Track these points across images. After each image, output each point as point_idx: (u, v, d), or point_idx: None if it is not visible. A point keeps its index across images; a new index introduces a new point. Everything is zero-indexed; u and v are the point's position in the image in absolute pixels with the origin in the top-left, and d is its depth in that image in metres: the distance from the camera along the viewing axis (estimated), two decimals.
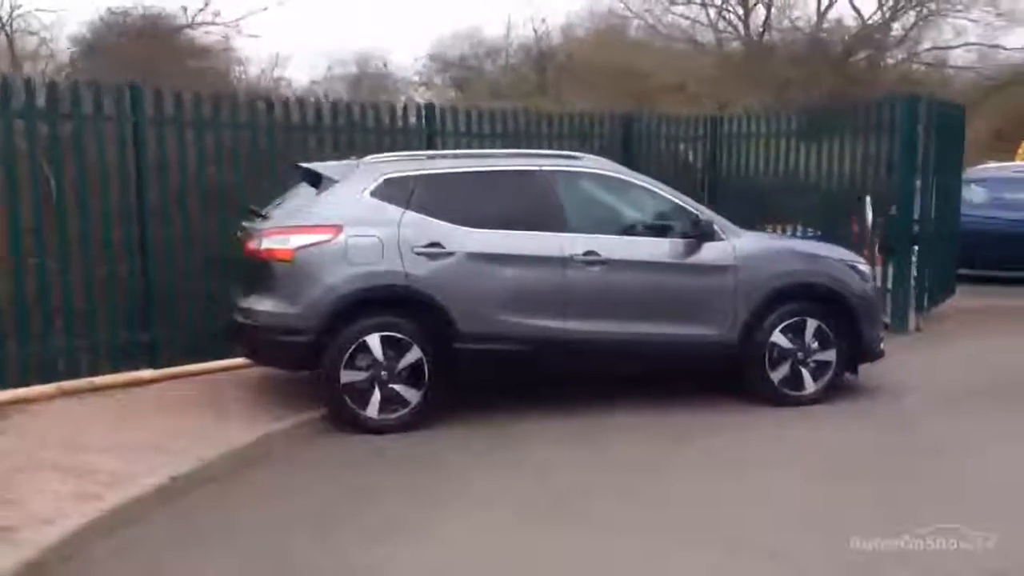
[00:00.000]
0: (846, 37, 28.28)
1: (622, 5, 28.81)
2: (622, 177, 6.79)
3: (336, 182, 6.25)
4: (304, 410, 6.15)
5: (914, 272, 9.32)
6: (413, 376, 6.01)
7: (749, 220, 7.64)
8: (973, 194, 11.85)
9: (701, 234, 6.47)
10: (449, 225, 6.11)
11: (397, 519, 4.64)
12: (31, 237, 6.41)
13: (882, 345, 6.89)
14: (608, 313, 6.30)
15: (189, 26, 24.63)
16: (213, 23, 24.55)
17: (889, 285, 9.18)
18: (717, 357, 6.53)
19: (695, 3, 29.09)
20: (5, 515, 4.31)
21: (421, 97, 26.54)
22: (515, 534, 4.49)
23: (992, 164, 14.60)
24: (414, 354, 5.99)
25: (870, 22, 28.56)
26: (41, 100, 6.49)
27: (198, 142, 7.26)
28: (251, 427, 5.82)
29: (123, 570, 4.16)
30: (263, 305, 6.05)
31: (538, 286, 6.18)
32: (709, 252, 6.45)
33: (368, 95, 24.00)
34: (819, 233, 9.56)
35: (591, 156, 7.34)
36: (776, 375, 6.52)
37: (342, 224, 6.01)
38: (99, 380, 6.60)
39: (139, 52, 20.82)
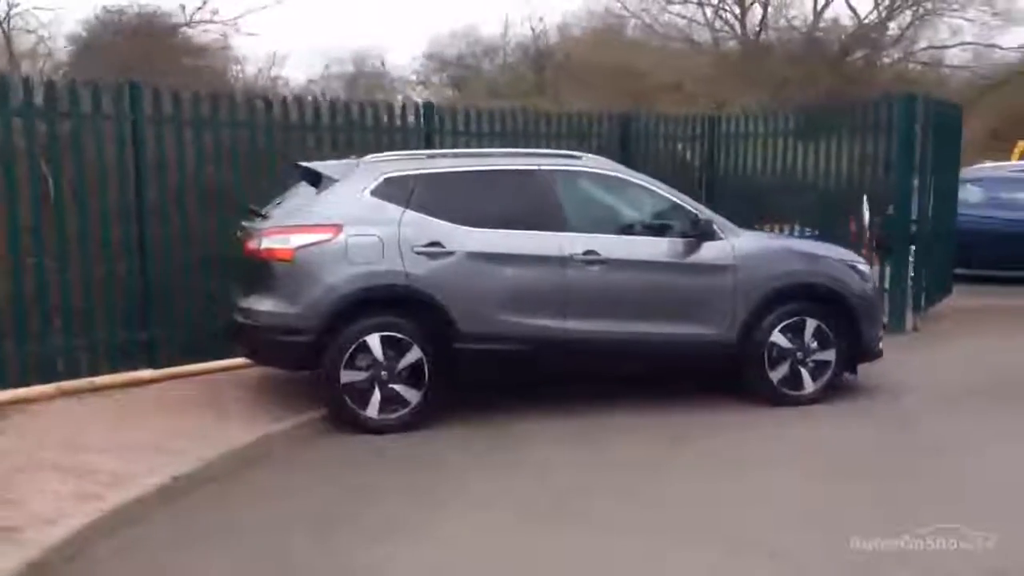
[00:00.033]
0: (842, 36, 28.36)
1: (619, 4, 28.91)
2: (622, 176, 6.79)
3: (336, 181, 6.24)
4: (304, 410, 6.14)
5: (911, 272, 9.34)
6: (413, 376, 6.01)
7: (746, 219, 7.66)
8: (969, 194, 11.87)
9: (700, 233, 6.47)
10: (449, 224, 6.12)
11: (397, 519, 4.64)
12: (29, 236, 6.40)
13: (881, 345, 6.90)
14: (608, 313, 6.30)
15: (188, 24, 24.62)
16: (212, 21, 24.59)
17: (886, 285, 9.20)
18: (716, 357, 6.54)
19: (691, 2, 29.17)
20: (7, 515, 4.31)
21: (418, 96, 26.56)
22: (515, 534, 4.49)
23: (988, 164, 14.64)
24: (414, 354, 5.99)
25: (866, 21, 28.65)
26: (39, 98, 6.47)
27: (197, 141, 7.25)
28: (251, 427, 5.81)
29: (126, 570, 4.16)
30: (263, 305, 6.04)
31: (538, 285, 6.19)
32: (708, 251, 6.46)
33: (364, 94, 24.00)
34: (816, 232, 9.58)
35: (591, 155, 7.33)
36: (775, 375, 6.53)
37: (342, 223, 6.00)
38: (98, 380, 6.60)
39: (135, 50, 20.80)
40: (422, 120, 8.80)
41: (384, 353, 5.95)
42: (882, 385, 6.98)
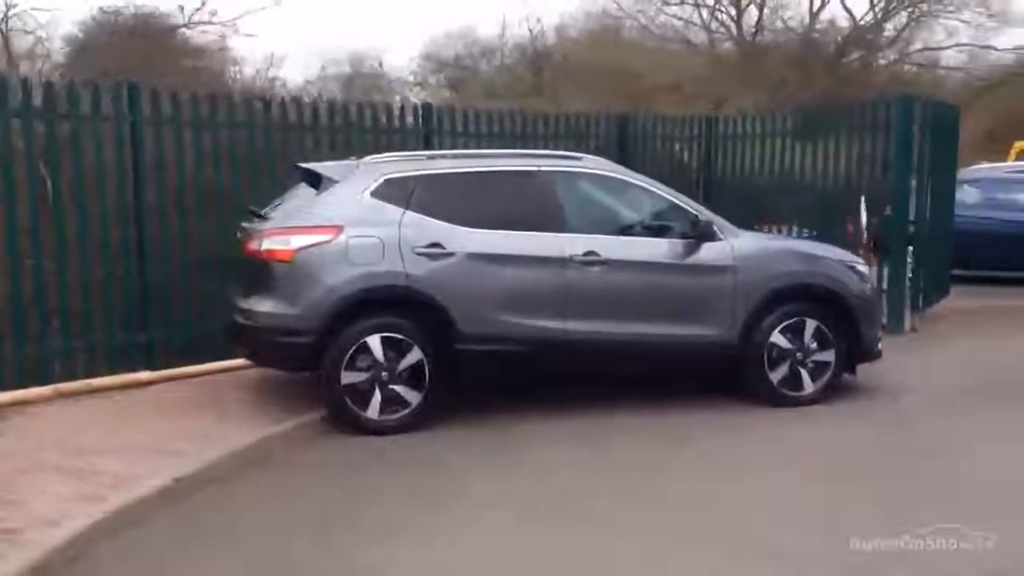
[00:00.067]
0: (839, 38, 28.40)
1: (615, 5, 28.89)
2: (621, 177, 6.80)
3: (336, 182, 6.24)
4: (304, 411, 6.14)
5: (909, 272, 9.35)
6: (414, 377, 6.01)
7: (744, 220, 7.63)
8: (966, 195, 11.89)
9: (700, 234, 6.48)
10: (449, 225, 6.12)
11: (398, 520, 4.64)
12: (28, 238, 6.38)
13: (880, 346, 6.91)
14: (608, 313, 6.30)
15: (186, 25, 24.59)
16: (210, 22, 24.56)
17: (884, 285, 9.21)
18: (716, 357, 6.54)
19: (688, 4, 29.18)
20: (9, 517, 4.30)
21: (415, 97, 26.54)
22: (515, 535, 4.50)
23: (985, 165, 14.68)
24: (415, 355, 5.99)
25: (862, 23, 28.69)
26: (38, 99, 6.46)
27: (196, 142, 7.24)
28: (251, 429, 5.81)
29: (128, 571, 4.16)
30: (263, 306, 6.03)
31: (538, 286, 6.19)
32: (708, 252, 6.47)
33: (362, 95, 23.96)
34: (814, 233, 9.59)
35: (591, 156, 7.35)
36: (775, 375, 6.54)
37: (342, 224, 6.00)
38: (97, 382, 6.59)
39: (132, 51, 20.77)
40: (421, 121, 8.81)
41: (384, 354, 5.95)
42: (881, 386, 6.99)
